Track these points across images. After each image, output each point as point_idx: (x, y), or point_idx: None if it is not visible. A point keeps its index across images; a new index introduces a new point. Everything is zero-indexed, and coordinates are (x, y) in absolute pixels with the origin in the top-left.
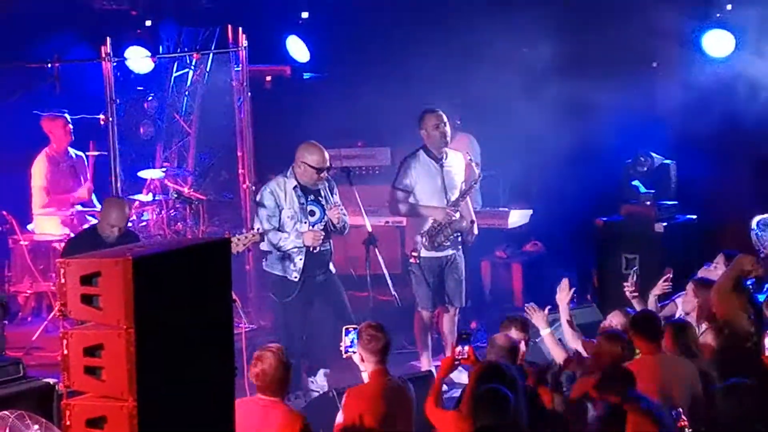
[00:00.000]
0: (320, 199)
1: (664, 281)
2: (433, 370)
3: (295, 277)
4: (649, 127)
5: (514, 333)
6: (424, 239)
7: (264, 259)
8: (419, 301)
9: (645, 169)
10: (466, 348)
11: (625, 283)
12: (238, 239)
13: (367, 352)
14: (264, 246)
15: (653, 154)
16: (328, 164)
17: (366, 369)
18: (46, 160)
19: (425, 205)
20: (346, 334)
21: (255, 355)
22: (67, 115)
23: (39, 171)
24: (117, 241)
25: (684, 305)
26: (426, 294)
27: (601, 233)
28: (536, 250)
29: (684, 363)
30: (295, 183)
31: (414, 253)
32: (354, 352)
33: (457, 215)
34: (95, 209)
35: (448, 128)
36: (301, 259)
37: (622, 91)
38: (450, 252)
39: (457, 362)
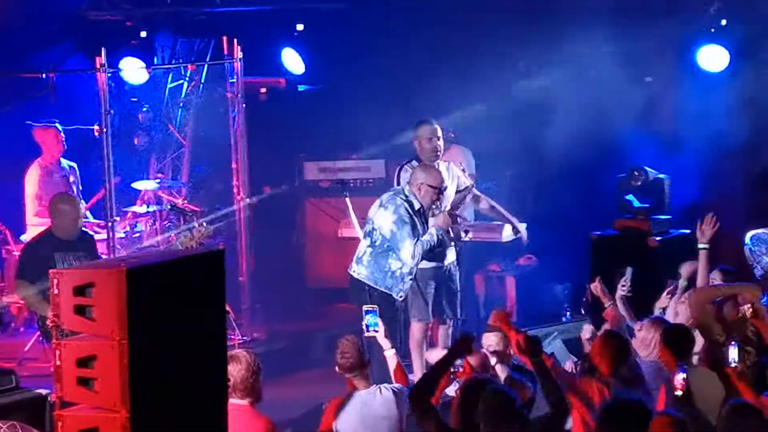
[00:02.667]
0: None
1: (667, 294)
2: None
3: (401, 297)
4: (643, 142)
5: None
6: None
7: (358, 270)
8: (415, 312)
9: (639, 183)
10: (462, 361)
11: (621, 283)
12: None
13: (340, 369)
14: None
15: (647, 169)
16: (445, 184)
17: (385, 350)
18: (39, 170)
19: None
20: (366, 314)
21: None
22: (58, 125)
23: (32, 180)
24: (76, 241)
25: (682, 315)
26: (421, 306)
27: (595, 247)
28: (530, 263)
29: (710, 376)
30: (420, 205)
31: None
32: (376, 331)
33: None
34: (87, 220)
35: (441, 142)
36: (410, 279)
37: (617, 105)
38: (446, 262)
39: (452, 375)
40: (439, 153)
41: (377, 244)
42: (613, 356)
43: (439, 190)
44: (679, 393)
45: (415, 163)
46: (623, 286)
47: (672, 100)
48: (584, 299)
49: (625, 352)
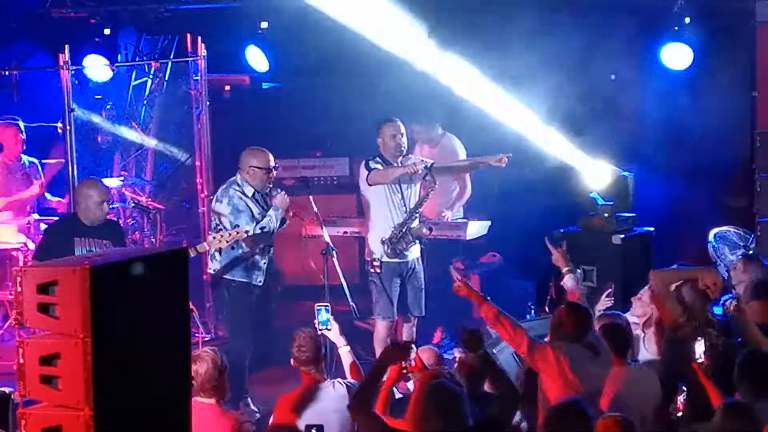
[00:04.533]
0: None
1: (607, 296)
2: None
3: (260, 282)
4: (607, 140)
5: None
6: (385, 246)
7: (214, 267)
8: (379, 310)
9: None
10: (413, 355)
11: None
12: (221, 236)
13: (295, 361)
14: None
15: (611, 166)
16: (273, 163)
17: (340, 347)
18: (0, 166)
19: (395, 167)
20: (318, 312)
21: (193, 355)
22: (20, 123)
23: None
24: (101, 228)
25: (635, 309)
26: (386, 303)
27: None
28: (494, 261)
29: (650, 376)
30: (253, 189)
31: (375, 262)
32: (328, 329)
33: (416, 223)
34: (52, 218)
35: (404, 139)
36: (265, 263)
37: (581, 102)
38: (410, 258)
39: (404, 370)
40: (403, 150)
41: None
42: (578, 324)
43: (268, 170)
44: (679, 414)
45: (378, 159)
46: (608, 296)
47: (636, 97)
48: (548, 297)
49: (588, 322)
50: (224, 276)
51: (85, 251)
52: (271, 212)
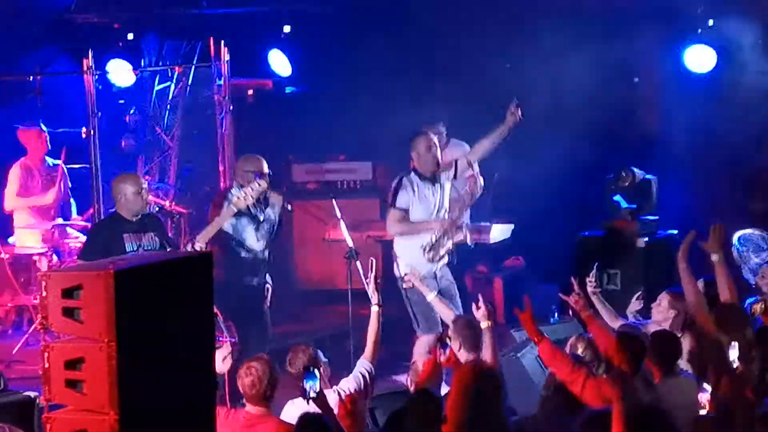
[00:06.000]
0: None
1: (637, 299)
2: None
3: (267, 284)
4: (630, 143)
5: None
6: (426, 252)
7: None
8: (422, 326)
9: (627, 184)
10: (447, 351)
11: (588, 279)
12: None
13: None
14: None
15: (635, 170)
16: (267, 169)
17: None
18: (20, 168)
19: (421, 221)
20: (305, 379)
21: (245, 364)
22: (42, 125)
23: (13, 177)
24: (141, 222)
25: (655, 315)
26: (429, 315)
27: (583, 248)
28: (517, 264)
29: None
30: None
31: (406, 277)
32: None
33: (454, 229)
34: (77, 222)
35: (439, 151)
36: (267, 264)
37: (605, 106)
38: (440, 264)
39: (439, 365)
40: (439, 161)
41: (224, 243)
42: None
43: (262, 174)
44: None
45: (413, 176)
46: (590, 282)
47: (659, 100)
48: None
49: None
50: (230, 279)
51: (135, 246)
52: (268, 210)
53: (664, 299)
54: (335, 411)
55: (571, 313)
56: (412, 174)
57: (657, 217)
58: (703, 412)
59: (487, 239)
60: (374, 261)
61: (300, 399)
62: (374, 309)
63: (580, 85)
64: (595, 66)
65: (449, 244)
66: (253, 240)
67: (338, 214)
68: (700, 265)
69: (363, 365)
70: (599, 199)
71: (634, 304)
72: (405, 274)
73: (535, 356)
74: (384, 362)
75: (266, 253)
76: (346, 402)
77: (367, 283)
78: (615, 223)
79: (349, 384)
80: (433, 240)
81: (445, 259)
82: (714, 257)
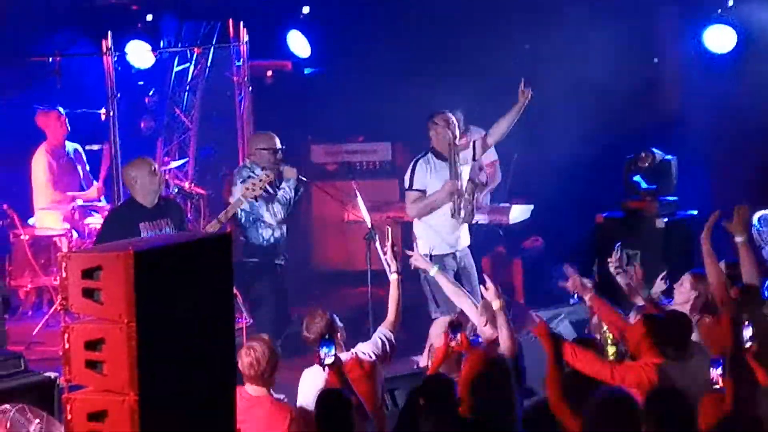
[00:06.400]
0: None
1: (662, 279)
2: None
3: (283, 261)
4: (650, 123)
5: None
6: (452, 215)
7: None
8: (438, 306)
9: (646, 164)
10: (459, 335)
11: (610, 259)
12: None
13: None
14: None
15: (655, 150)
16: (279, 145)
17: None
18: (46, 155)
19: (431, 195)
20: (321, 347)
21: (246, 345)
22: (60, 108)
23: (41, 166)
24: (157, 208)
25: (677, 296)
26: (444, 296)
27: (602, 229)
28: (537, 245)
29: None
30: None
31: (412, 258)
32: (330, 367)
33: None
34: (98, 204)
35: (457, 130)
36: (284, 242)
37: (624, 86)
38: (461, 247)
39: (450, 350)
40: (457, 141)
41: (243, 221)
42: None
43: (274, 151)
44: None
45: (429, 156)
46: (613, 262)
47: (679, 81)
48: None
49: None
50: (243, 258)
51: (152, 235)
52: (284, 185)
53: (686, 280)
54: (353, 373)
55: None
56: (429, 154)
57: (676, 198)
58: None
59: (506, 220)
60: (389, 229)
61: (316, 366)
62: (393, 277)
63: (599, 66)
64: (615, 46)
65: (466, 199)
66: (269, 216)
67: (357, 195)
68: (722, 247)
69: (382, 332)
70: (618, 179)
71: (659, 284)
72: (424, 255)
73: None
74: (403, 344)
75: (284, 228)
76: (364, 364)
77: (384, 252)
78: (634, 203)
79: (366, 347)
80: (454, 204)
81: (462, 243)
82: (738, 239)
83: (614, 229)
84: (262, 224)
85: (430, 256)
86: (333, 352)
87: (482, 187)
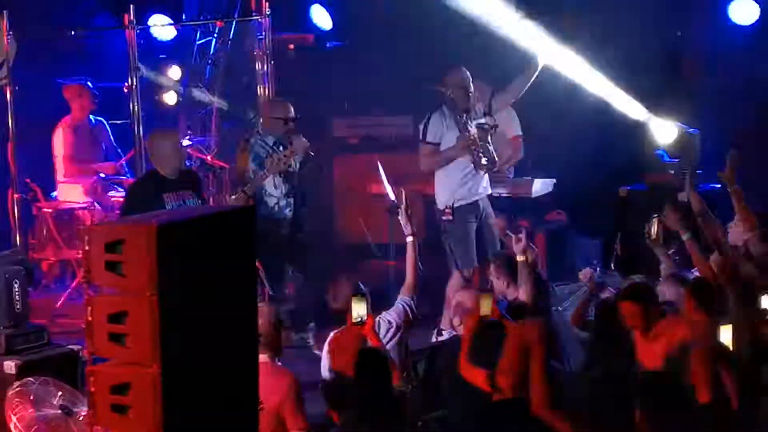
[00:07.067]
0: None
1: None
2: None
3: (285, 232)
4: (673, 96)
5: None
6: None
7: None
8: (460, 261)
9: (670, 138)
10: (490, 305)
11: (647, 231)
12: (276, 158)
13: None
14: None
15: (678, 123)
16: (293, 114)
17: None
18: (68, 129)
19: (445, 150)
20: (354, 303)
21: None
22: (88, 83)
23: (61, 140)
24: (179, 179)
25: (732, 235)
26: (465, 251)
27: (625, 202)
28: (560, 219)
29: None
30: (273, 139)
31: (447, 210)
32: (363, 323)
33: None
34: (120, 177)
35: (471, 86)
36: (290, 212)
37: (647, 59)
38: (481, 195)
39: (484, 319)
40: (470, 95)
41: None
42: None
43: (286, 120)
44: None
45: (444, 109)
46: (649, 233)
47: (702, 53)
48: (614, 254)
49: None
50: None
51: (175, 206)
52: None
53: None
54: (375, 341)
55: (613, 266)
56: (443, 107)
57: (700, 171)
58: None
59: (529, 193)
60: (403, 191)
61: (343, 330)
62: (409, 239)
63: (623, 39)
64: (638, 20)
65: (484, 148)
66: (271, 186)
67: (380, 168)
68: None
69: (403, 299)
70: (641, 153)
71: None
72: (445, 207)
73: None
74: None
75: (290, 200)
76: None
77: (398, 213)
78: (657, 177)
79: (389, 315)
80: (474, 156)
81: (482, 192)
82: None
83: (637, 202)
84: (265, 192)
85: (453, 207)
86: (366, 311)
87: (494, 129)
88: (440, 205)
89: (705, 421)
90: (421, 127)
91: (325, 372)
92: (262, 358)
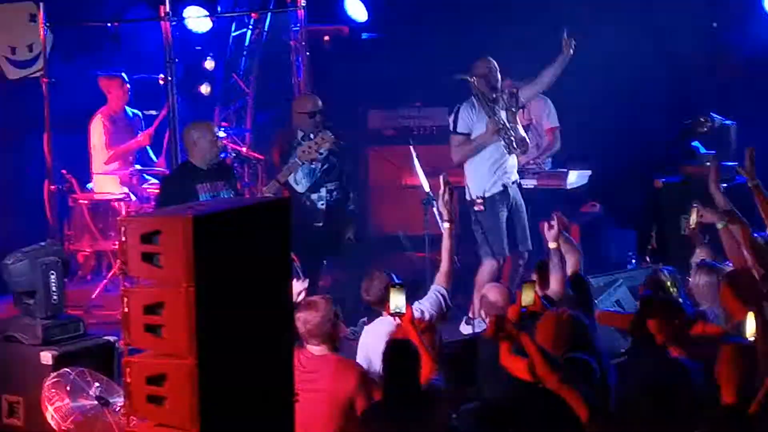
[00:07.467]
0: None
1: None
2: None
3: (319, 224)
4: (709, 88)
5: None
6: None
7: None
8: (489, 249)
9: (705, 129)
10: (532, 296)
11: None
12: (309, 146)
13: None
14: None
15: (714, 115)
16: (318, 108)
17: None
18: (103, 120)
19: (475, 138)
20: (392, 295)
21: (305, 304)
22: (124, 75)
23: (97, 131)
24: (213, 170)
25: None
26: (496, 239)
27: (660, 194)
28: (594, 210)
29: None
30: (302, 133)
31: (478, 200)
32: (402, 314)
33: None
34: (154, 169)
35: (498, 75)
36: (323, 205)
37: (683, 50)
38: (511, 184)
39: (523, 309)
40: (498, 85)
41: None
42: None
43: (311, 114)
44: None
45: (472, 100)
46: (688, 222)
47: (738, 45)
48: (649, 246)
49: None
50: None
51: (209, 197)
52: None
53: None
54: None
55: (648, 258)
56: (472, 98)
57: (736, 164)
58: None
59: (564, 185)
60: (443, 176)
61: (381, 318)
62: (445, 226)
63: (659, 30)
64: (674, 11)
65: (509, 136)
66: (293, 180)
67: (415, 160)
68: None
69: (437, 288)
70: (677, 144)
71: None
72: (477, 198)
73: (613, 301)
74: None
75: (313, 196)
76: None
77: (434, 204)
78: (693, 168)
79: (422, 305)
80: (505, 141)
81: (512, 177)
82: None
83: (672, 194)
84: (288, 189)
85: (484, 197)
86: (403, 301)
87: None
88: (471, 196)
89: (727, 423)
90: (451, 118)
91: (361, 363)
92: (322, 350)
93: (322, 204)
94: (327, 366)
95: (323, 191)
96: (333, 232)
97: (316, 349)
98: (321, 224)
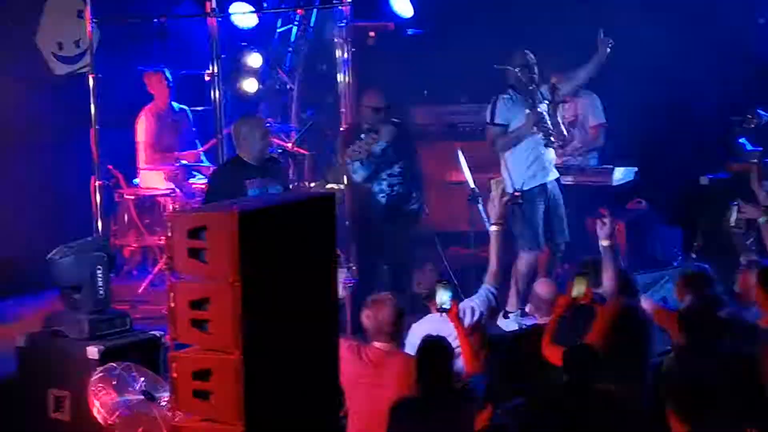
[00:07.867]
0: None
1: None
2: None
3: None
4: (756, 84)
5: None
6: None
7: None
8: (526, 242)
9: (752, 126)
10: (584, 288)
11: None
12: (358, 145)
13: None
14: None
15: (761, 112)
16: (382, 103)
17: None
18: (150, 116)
19: (513, 130)
20: (438, 292)
21: (371, 299)
22: (166, 71)
23: (144, 127)
24: (262, 166)
25: None
26: (532, 232)
27: (706, 191)
28: (640, 207)
29: None
30: (367, 126)
31: (516, 193)
32: (448, 309)
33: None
34: (201, 164)
35: (536, 68)
36: (383, 197)
37: (729, 46)
38: (550, 179)
39: (575, 301)
40: (535, 77)
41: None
42: None
43: (374, 108)
44: None
45: (510, 91)
46: (730, 221)
47: None
48: (695, 243)
49: None
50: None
51: (258, 193)
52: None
53: None
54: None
55: (694, 255)
56: (509, 90)
57: None
58: None
59: (610, 182)
60: (497, 180)
61: (428, 316)
62: (492, 228)
63: (704, 26)
64: (721, 7)
65: (545, 128)
66: (352, 173)
67: (460, 156)
68: None
69: (487, 287)
70: (723, 141)
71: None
72: (514, 191)
73: (659, 299)
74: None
75: (374, 187)
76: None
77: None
78: (739, 165)
79: (472, 302)
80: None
81: (551, 176)
82: None
83: (718, 191)
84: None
85: (522, 191)
86: (450, 298)
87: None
88: (508, 189)
89: None
90: (488, 110)
91: None
92: (388, 346)
93: (383, 197)
94: (395, 361)
95: (384, 184)
96: (393, 233)
97: (382, 345)
98: (382, 219)
